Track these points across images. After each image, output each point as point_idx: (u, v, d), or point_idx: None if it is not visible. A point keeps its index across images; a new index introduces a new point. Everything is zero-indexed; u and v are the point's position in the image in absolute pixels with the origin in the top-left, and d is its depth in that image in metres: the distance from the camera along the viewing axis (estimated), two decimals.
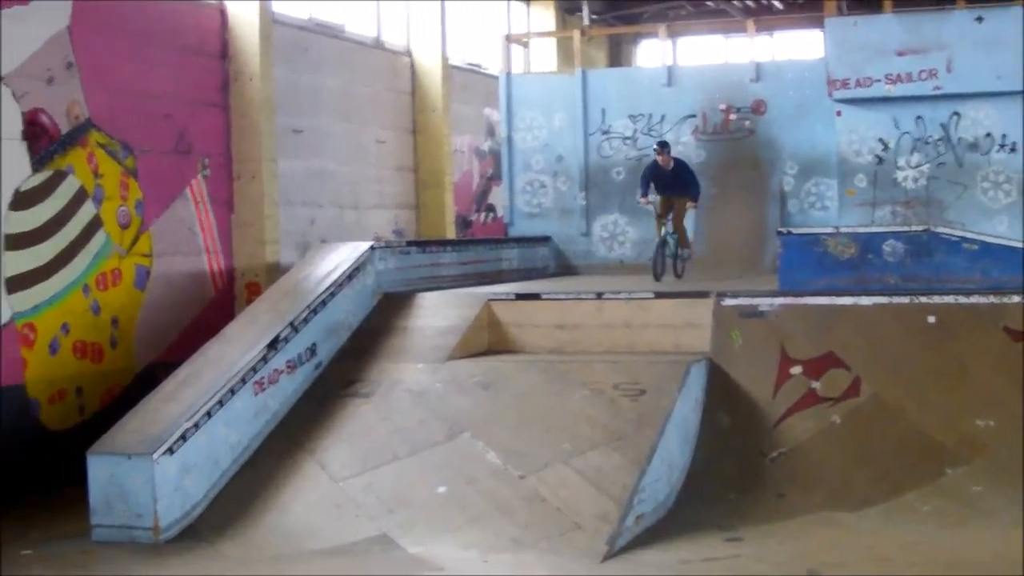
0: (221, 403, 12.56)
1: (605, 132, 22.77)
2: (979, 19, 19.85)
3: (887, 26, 20.42)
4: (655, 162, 18.78)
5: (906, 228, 16.10)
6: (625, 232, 22.51)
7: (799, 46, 31.62)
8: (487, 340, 15.13)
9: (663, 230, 18.61)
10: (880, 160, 20.66)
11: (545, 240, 22.74)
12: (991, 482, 11.99)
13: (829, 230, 16.18)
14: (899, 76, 20.09)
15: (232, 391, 12.75)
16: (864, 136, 20.71)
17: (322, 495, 12.15)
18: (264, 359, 13.32)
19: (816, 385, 13.19)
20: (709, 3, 31.74)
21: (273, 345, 13.49)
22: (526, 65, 25.17)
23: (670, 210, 18.72)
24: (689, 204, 18.78)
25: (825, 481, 12.33)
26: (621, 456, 11.83)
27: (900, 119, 20.47)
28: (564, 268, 22.73)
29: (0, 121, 13.85)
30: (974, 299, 13.40)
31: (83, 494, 12.00)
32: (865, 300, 13.73)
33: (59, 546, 11.75)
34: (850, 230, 16.09)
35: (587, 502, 11.33)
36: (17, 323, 14.03)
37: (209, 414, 12.37)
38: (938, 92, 20.06)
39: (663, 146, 18.89)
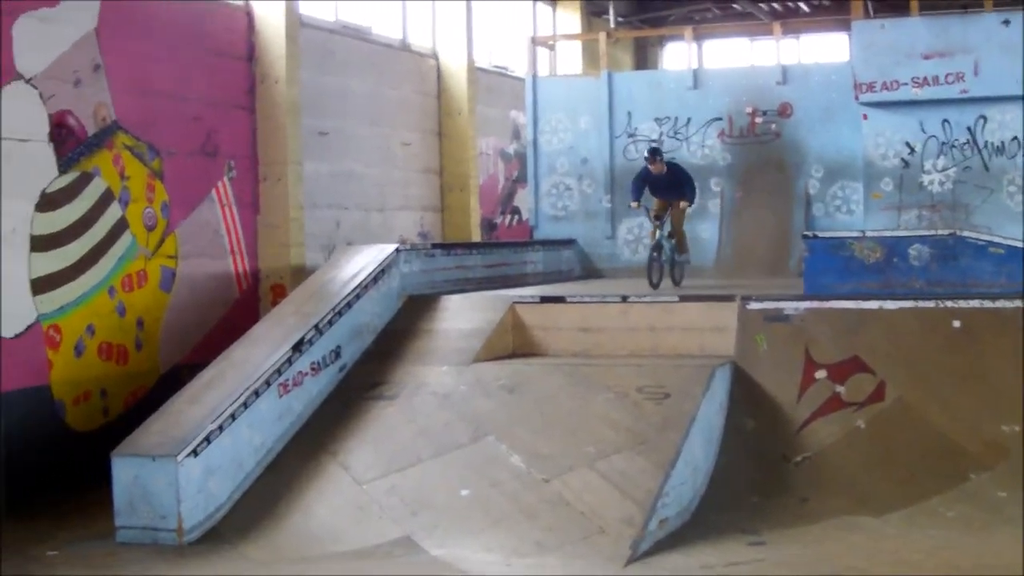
0: (245, 405, 12.58)
1: (631, 135, 22.75)
2: (1006, 22, 19.76)
3: (914, 29, 20.35)
4: (646, 168, 18.50)
5: (932, 232, 16.00)
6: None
7: (825, 49, 31.59)
8: (512, 343, 15.13)
9: (658, 233, 18.23)
10: (906, 164, 20.59)
11: (570, 243, 22.72)
12: (1016, 487, 11.93)
13: (855, 234, 16.09)
14: (926, 79, 20.01)
15: (256, 393, 12.77)
16: (890, 139, 20.64)
17: (345, 497, 12.15)
18: (289, 361, 13.33)
19: (841, 389, 13.15)
20: (735, 6, 31.71)
21: (298, 347, 13.50)
22: (552, 68, 25.19)
23: (666, 212, 18.42)
24: (683, 204, 18.43)
25: (849, 486, 12.30)
26: (645, 460, 11.81)
27: (926, 122, 20.40)
28: (589, 271, 22.73)
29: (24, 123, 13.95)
30: (1000, 304, 13.33)
31: (108, 496, 12.03)
32: (890, 304, 13.67)
33: (84, 547, 11.80)
34: (876, 234, 16.01)
35: (611, 506, 11.31)
36: (43, 324, 14.09)
37: (233, 416, 12.39)
38: (965, 95, 19.96)
39: (654, 153, 18.58)
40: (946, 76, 19.94)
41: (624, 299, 15.16)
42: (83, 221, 14.66)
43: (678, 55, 34.88)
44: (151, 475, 11.74)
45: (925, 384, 12.99)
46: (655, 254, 18.14)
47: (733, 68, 27.08)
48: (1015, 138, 20.05)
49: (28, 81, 13.98)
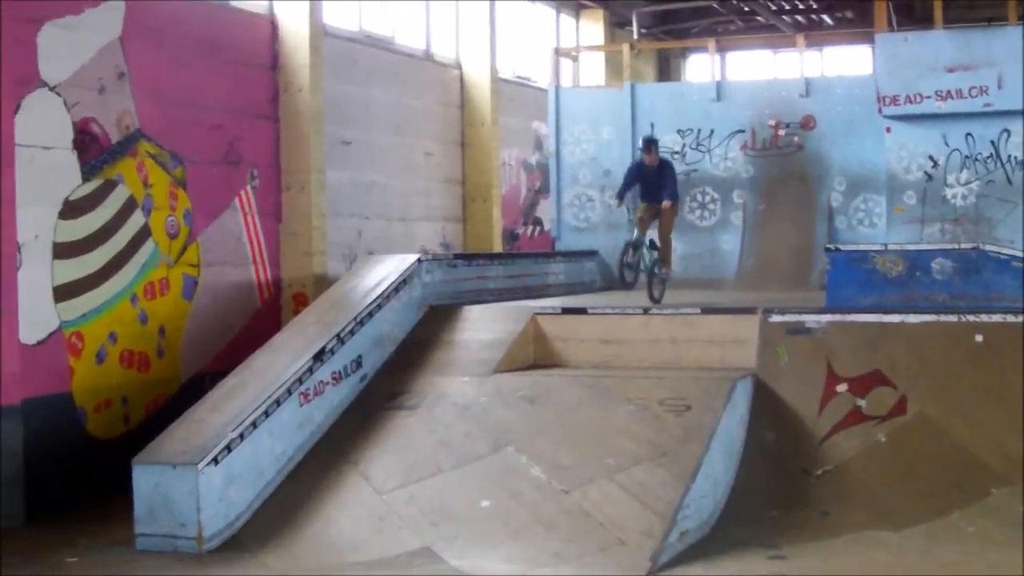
0: (266, 414, 12.59)
1: None
2: None
3: (937, 42, 20.30)
4: (641, 161, 17.71)
5: (955, 246, 15.93)
6: (673, 247, 22.40)
7: (849, 62, 31.52)
8: (532, 354, 15.11)
9: (635, 233, 17.23)
10: (929, 177, 20.54)
11: (592, 254, 22.67)
12: None
13: (877, 247, 16.03)
14: (949, 93, 19.97)
15: (277, 402, 12.78)
16: (913, 153, 20.60)
17: (366, 507, 12.16)
18: (310, 370, 13.34)
19: (862, 403, 13.11)
20: (759, 18, 31.68)
21: (319, 356, 13.51)
22: (575, 78, 25.24)
23: (654, 218, 17.56)
24: (665, 204, 17.26)
25: (869, 500, 12.27)
26: (666, 472, 11.79)
27: (950, 136, 20.35)
28: (611, 283, 22.67)
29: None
30: (1023, 318, 13.30)
31: (128, 503, 12.06)
32: (913, 318, 13.63)
33: (104, 554, 11.83)
34: (898, 247, 15.95)
35: (631, 518, 11.29)
36: (65, 332, 14.13)
37: (254, 425, 12.41)
38: (988, 109, 19.91)
39: (650, 143, 17.62)
40: (970, 89, 19.89)
41: (645, 311, 15.15)
42: (106, 229, 14.71)
43: (701, 67, 34.84)
44: (172, 483, 11.76)
45: (947, 398, 12.94)
46: (627, 254, 17.12)
47: (756, 80, 27.08)
48: None
49: (52, 89, 14.04)
